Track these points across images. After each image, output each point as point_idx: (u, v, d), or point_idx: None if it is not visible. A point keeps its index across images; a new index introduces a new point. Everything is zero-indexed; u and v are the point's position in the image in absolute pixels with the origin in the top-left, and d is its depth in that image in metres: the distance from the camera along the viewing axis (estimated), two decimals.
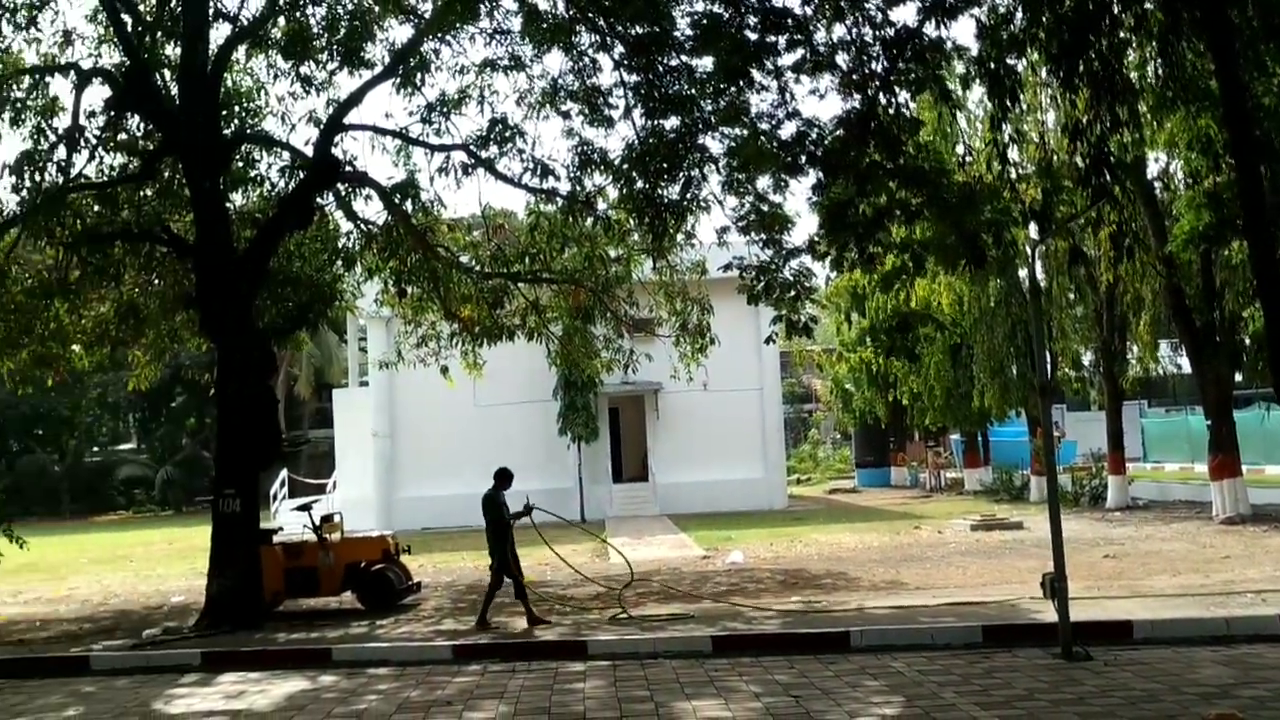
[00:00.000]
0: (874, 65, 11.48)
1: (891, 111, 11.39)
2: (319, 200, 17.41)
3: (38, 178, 15.37)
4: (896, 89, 11.44)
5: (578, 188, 16.22)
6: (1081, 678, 9.76)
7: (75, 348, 18.87)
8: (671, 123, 13.41)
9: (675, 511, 32.44)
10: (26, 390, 19.81)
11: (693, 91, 13.15)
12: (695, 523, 28.71)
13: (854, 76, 11.53)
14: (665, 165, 13.46)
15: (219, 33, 16.63)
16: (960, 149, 15.11)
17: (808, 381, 61.95)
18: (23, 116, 16.57)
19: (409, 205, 17.09)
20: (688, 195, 13.84)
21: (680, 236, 16.05)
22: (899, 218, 11.63)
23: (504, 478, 14.15)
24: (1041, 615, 11.78)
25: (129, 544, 33.60)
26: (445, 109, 16.89)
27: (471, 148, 16.55)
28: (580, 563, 17.15)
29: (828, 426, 61.37)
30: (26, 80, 16.75)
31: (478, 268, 18.31)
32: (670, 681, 10.42)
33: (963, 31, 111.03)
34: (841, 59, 11.69)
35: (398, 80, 16.74)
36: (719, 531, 25.88)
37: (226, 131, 16.98)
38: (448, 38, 16.59)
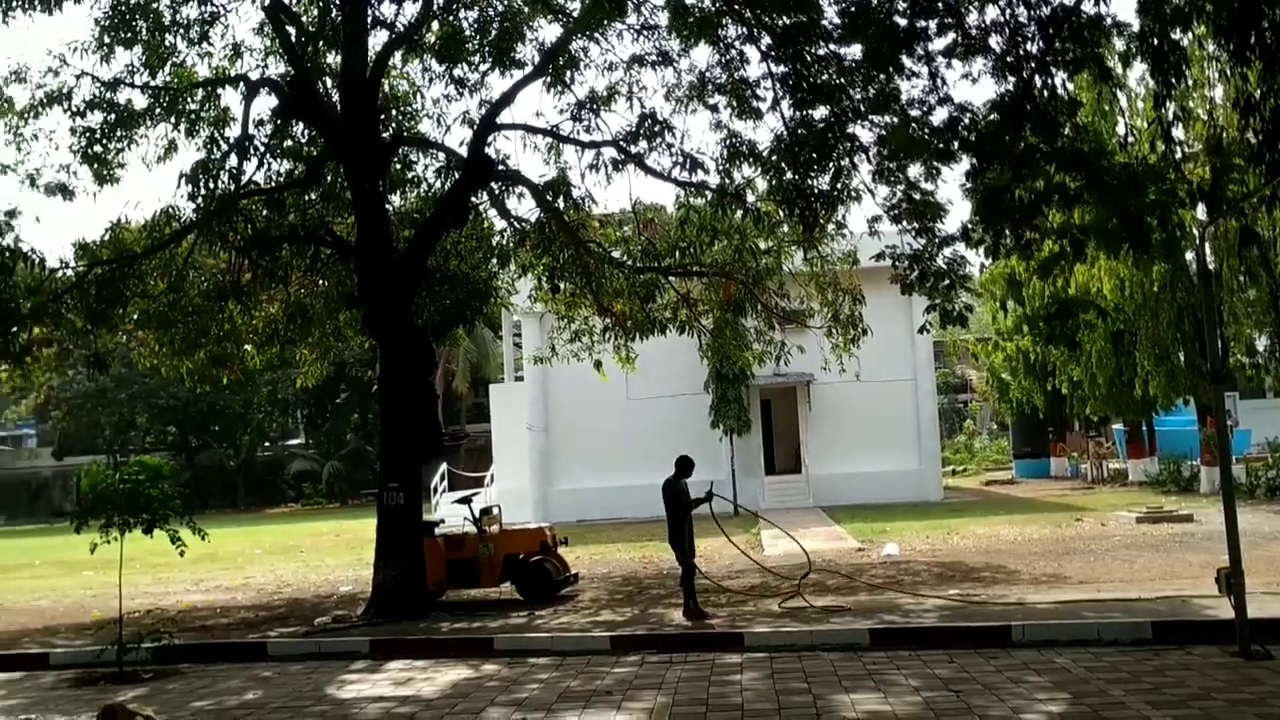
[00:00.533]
0: (1029, 46, 11.18)
1: (1048, 93, 11.08)
2: (474, 199, 17.79)
3: (211, 185, 16.13)
4: (1053, 70, 11.12)
5: (727, 180, 16.21)
6: (1261, 677, 9.36)
7: (248, 347, 19.67)
8: (820, 112, 13.30)
9: (828, 503, 32.18)
10: (204, 389, 20.74)
11: (841, 80, 13.01)
12: (849, 515, 28.45)
13: (1008, 59, 11.25)
14: (814, 155, 13.35)
15: (376, 39, 17.14)
16: (1121, 129, 14.65)
17: (962, 371, 60.72)
18: (197, 127, 17.52)
19: (561, 202, 17.33)
20: (838, 185, 13.71)
21: (831, 227, 15.91)
22: (1057, 202, 11.32)
23: (685, 465, 14.11)
24: (1216, 611, 11.32)
25: (299, 535, 34.99)
26: (595, 106, 17.06)
27: (621, 143, 16.68)
28: (735, 554, 17.17)
29: (984, 417, 60.11)
30: (200, 93, 17.65)
31: (629, 262, 18.47)
32: (828, 674, 10.37)
33: (1123, 7, 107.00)
34: (995, 41, 11.43)
35: (548, 79, 17.00)
36: (873, 523, 25.59)
37: (385, 135, 17.50)
38: (596, 35, 16.76)
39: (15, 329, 15.79)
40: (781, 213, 15.73)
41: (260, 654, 13.18)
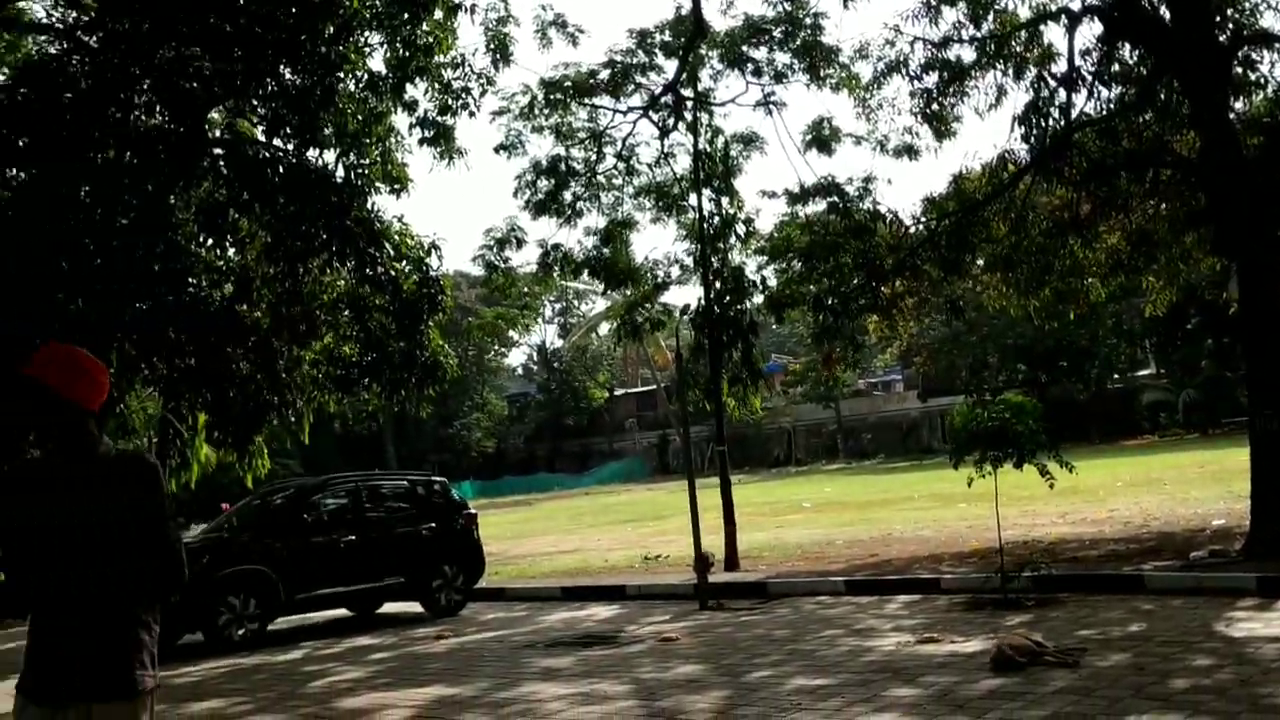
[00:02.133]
0: None
1: None
2: None
3: (1043, 124, 16.31)
4: None
5: None
6: None
7: (1091, 280, 19.58)
8: None
9: None
10: (1051, 324, 21.12)
11: None
12: None
13: None
14: None
15: None
16: None
17: None
18: (1024, 69, 17.80)
19: None
20: None
21: None
22: None
23: None
24: None
25: (1158, 467, 33.99)
26: None
27: None
28: None
29: None
30: (1023, 34, 17.89)
31: None
32: None
33: None
34: None
35: None
36: None
37: (1222, 38, 16.29)
38: None
39: (879, 284, 17.44)
40: None
41: (1137, 587, 13.09)
